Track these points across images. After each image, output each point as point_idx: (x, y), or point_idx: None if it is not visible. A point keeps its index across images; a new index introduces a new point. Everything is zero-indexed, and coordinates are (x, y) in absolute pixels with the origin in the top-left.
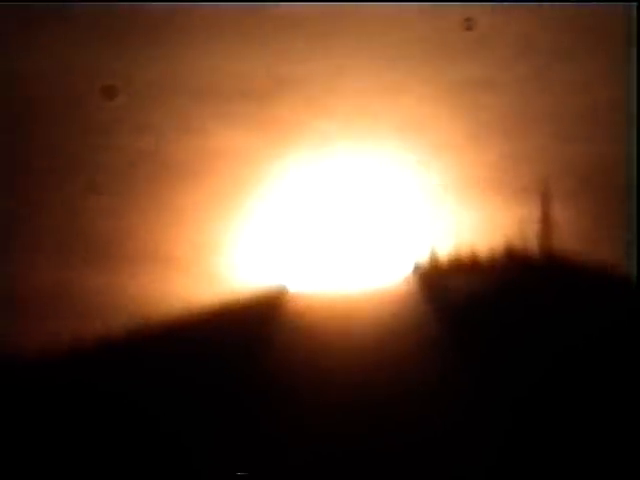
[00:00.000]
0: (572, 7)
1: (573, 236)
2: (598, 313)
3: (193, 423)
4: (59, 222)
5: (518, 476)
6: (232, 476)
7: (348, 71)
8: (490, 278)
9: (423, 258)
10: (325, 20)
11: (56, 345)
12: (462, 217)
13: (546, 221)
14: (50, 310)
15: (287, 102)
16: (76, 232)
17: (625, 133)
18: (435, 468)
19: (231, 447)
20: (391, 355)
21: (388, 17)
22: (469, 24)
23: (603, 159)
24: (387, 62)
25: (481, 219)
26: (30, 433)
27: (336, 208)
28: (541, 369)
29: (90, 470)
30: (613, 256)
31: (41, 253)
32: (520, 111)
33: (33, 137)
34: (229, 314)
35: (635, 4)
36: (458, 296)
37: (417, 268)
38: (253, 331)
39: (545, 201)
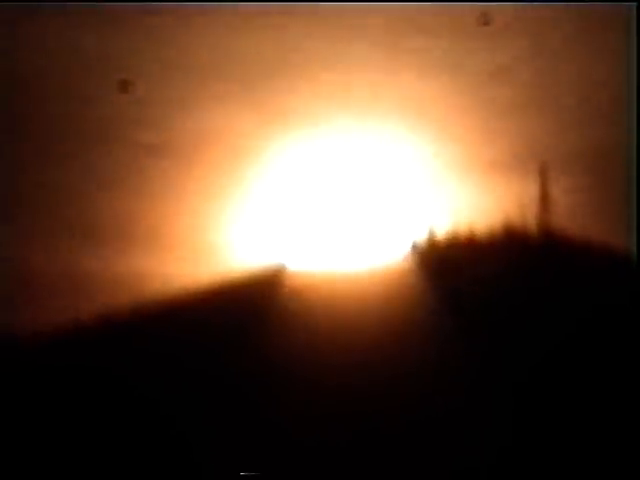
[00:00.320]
0: (575, 6)
1: (572, 215)
2: (597, 292)
3: (191, 404)
4: (58, 205)
5: (518, 456)
6: (230, 460)
7: (358, 63)
8: (489, 257)
9: (422, 236)
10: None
11: (55, 326)
12: (461, 195)
13: (545, 200)
14: (49, 292)
15: (286, 82)
16: (75, 215)
17: (625, 121)
18: (436, 450)
19: (229, 429)
20: (390, 334)
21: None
22: (486, 19)
23: (604, 143)
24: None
25: (480, 197)
26: (30, 415)
27: (334, 187)
28: (541, 349)
29: (88, 449)
30: (613, 235)
31: (41, 236)
32: (527, 101)
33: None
34: (228, 293)
35: (635, 4)
36: (457, 274)
37: (416, 246)
38: (252, 310)
39: (544, 180)
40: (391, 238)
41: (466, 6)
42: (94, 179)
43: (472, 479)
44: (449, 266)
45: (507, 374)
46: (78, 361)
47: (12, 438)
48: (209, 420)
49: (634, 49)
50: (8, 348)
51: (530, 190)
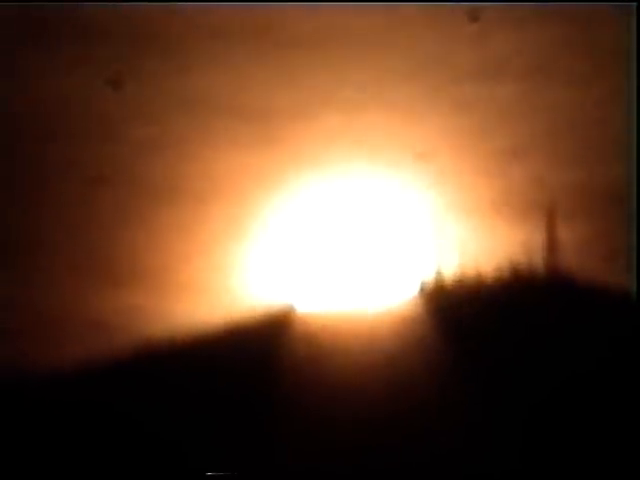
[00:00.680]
0: (572, 5)
1: (577, 255)
2: (602, 331)
3: (199, 446)
4: (64, 240)
5: None
6: None
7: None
8: (496, 297)
9: (429, 278)
10: (345, 34)
11: (63, 365)
12: (467, 237)
13: (551, 238)
14: (57, 331)
15: (297, 122)
16: (83, 252)
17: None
18: None
19: (241, 468)
20: (398, 374)
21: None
22: (474, 15)
23: (606, 177)
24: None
25: (486, 238)
26: (37, 453)
27: (343, 229)
28: (546, 387)
29: None
30: (616, 274)
31: (45, 272)
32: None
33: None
34: (237, 333)
35: (635, 4)
36: (464, 315)
37: (423, 288)
38: (261, 350)
39: (550, 218)
40: (399, 280)
41: None
42: (101, 218)
43: None
44: (456, 307)
45: (514, 413)
46: (85, 399)
47: (15, 475)
48: (217, 462)
49: (634, 49)
50: (11, 386)
51: (537, 232)
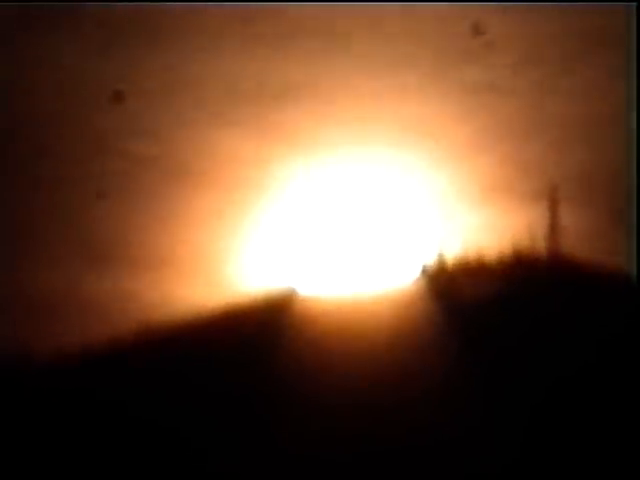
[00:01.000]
0: (574, 8)
1: (579, 239)
2: (604, 315)
3: (199, 430)
4: (65, 227)
5: None
6: None
7: (357, 76)
8: (498, 281)
9: (431, 261)
10: (335, 23)
11: (62, 350)
12: (470, 220)
13: (554, 224)
14: (56, 316)
15: (297, 107)
16: (83, 237)
17: (627, 137)
18: (444, 473)
19: (239, 455)
20: (400, 358)
21: (397, 20)
22: (479, 29)
23: (608, 165)
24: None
25: (489, 221)
26: (35, 439)
27: (345, 212)
28: (549, 373)
29: (94, 476)
30: (619, 259)
31: (47, 259)
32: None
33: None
34: (237, 317)
35: (635, 4)
36: (466, 298)
37: (425, 271)
38: (262, 334)
39: (553, 204)
40: (401, 263)
41: None
42: (103, 204)
43: None
44: (459, 290)
45: (516, 398)
46: (83, 384)
47: (15, 463)
48: (218, 446)
49: (634, 49)
50: (11, 371)
51: (540, 215)
